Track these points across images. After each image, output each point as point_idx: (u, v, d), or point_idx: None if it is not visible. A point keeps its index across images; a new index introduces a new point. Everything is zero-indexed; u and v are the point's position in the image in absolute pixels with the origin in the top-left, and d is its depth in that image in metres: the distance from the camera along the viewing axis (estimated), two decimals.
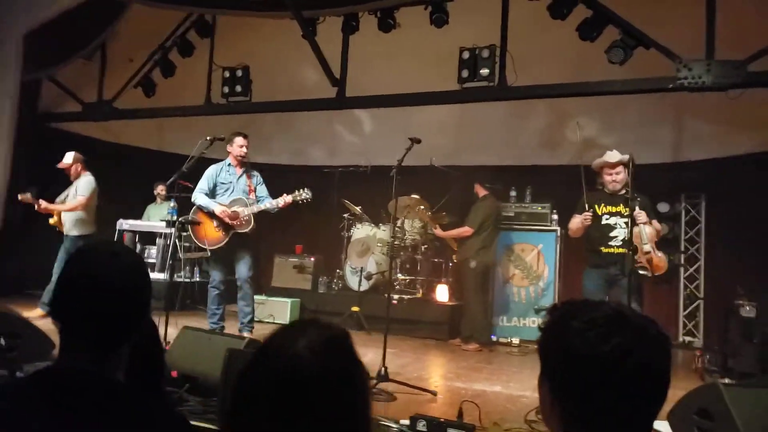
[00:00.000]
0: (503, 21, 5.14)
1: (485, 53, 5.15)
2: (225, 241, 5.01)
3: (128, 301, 1.18)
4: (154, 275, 6.86)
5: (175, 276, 6.85)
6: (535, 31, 5.45)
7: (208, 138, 4.73)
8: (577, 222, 4.51)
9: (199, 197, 5.04)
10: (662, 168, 6.94)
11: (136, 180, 7.79)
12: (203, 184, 5.07)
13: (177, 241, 4.94)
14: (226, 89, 6.11)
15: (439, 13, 5.42)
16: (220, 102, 6.20)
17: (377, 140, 7.53)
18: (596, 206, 4.48)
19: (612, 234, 4.41)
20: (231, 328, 5.19)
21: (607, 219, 4.43)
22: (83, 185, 6.13)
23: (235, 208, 5.02)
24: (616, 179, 4.41)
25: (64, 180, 7.26)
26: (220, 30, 6.40)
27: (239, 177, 5.18)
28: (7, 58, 6.60)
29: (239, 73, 6.07)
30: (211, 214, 5.03)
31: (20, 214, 6.72)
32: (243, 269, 5.12)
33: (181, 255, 5.19)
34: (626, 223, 4.32)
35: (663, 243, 7.29)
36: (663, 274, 7.32)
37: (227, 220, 4.98)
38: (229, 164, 5.19)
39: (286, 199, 5.03)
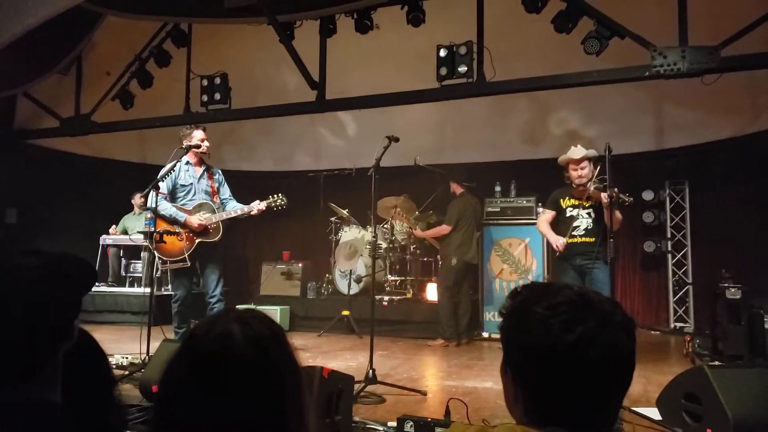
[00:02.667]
0: (479, 17, 5.14)
1: (462, 50, 5.14)
2: (189, 252, 4.54)
3: (29, 316, 1.05)
4: (140, 290, 6.80)
5: (163, 289, 6.82)
6: (512, 26, 5.47)
7: (183, 146, 4.61)
8: (545, 233, 4.79)
9: (164, 206, 4.56)
10: (645, 156, 7.01)
11: (119, 194, 7.71)
12: (163, 188, 4.58)
13: (156, 252, 4.66)
14: (205, 97, 6.05)
15: (415, 12, 5.41)
16: (199, 111, 6.14)
17: (361, 143, 7.51)
18: (561, 200, 4.68)
19: (575, 224, 4.58)
20: None
21: (570, 211, 4.59)
22: None
23: (202, 215, 4.60)
24: (581, 174, 4.53)
25: (47, 199, 7.20)
26: (197, 38, 6.34)
27: (200, 177, 4.73)
28: None
29: (217, 80, 6.01)
30: (174, 222, 4.59)
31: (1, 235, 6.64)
32: (212, 285, 4.65)
33: (160, 267, 4.89)
34: (588, 213, 4.53)
35: (650, 230, 7.39)
36: (651, 261, 7.47)
37: (197, 230, 4.55)
38: (188, 162, 4.70)
39: (259, 206, 4.64)
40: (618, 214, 4.35)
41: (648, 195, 7.25)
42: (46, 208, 7.09)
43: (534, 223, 6.44)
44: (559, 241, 4.57)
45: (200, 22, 6.17)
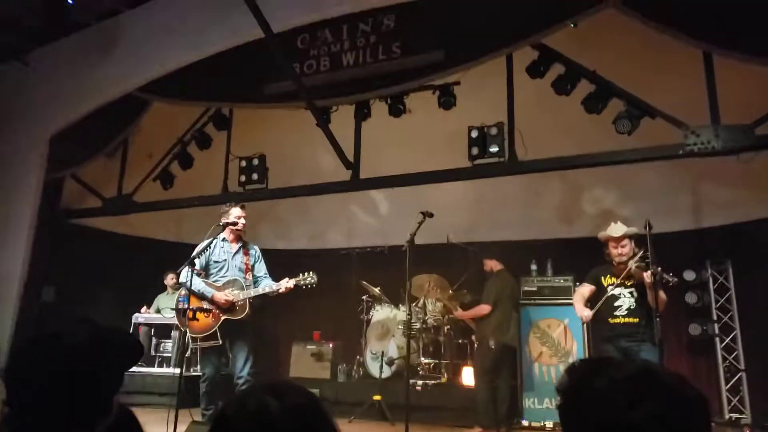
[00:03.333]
0: (509, 98, 5.28)
1: (494, 131, 5.26)
2: (214, 329, 4.49)
3: (73, 385, 1.07)
4: (169, 370, 6.70)
5: (192, 370, 6.71)
6: (542, 107, 5.58)
7: (220, 224, 4.68)
8: (575, 306, 4.68)
9: (194, 282, 4.49)
10: (684, 236, 6.84)
11: (154, 272, 7.80)
12: (197, 265, 4.56)
13: (188, 330, 4.59)
14: (243, 178, 6.24)
15: (446, 96, 5.62)
16: (237, 190, 6.31)
17: (394, 221, 7.56)
18: (602, 278, 4.58)
19: (617, 304, 4.43)
20: None
21: (612, 290, 4.45)
22: None
23: (229, 291, 4.57)
24: (621, 252, 4.45)
25: (84, 277, 7.34)
26: (237, 121, 6.63)
27: (234, 254, 4.73)
28: (32, 160, 6.90)
29: (256, 161, 6.22)
30: (202, 298, 4.55)
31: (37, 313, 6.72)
32: (240, 364, 4.51)
33: (191, 345, 4.81)
34: (630, 293, 4.40)
35: (693, 312, 7.07)
36: (698, 345, 7.10)
37: (223, 306, 4.50)
38: (224, 239, 4.74)
39: (287, 284, 4.56)
40: (662, 295, 4.21)
41: (689, 275, 6.99)
42: (82, 286, 7.20)
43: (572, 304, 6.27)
44: (583, 312, 4.45)
45: (241, 107, 6.50)
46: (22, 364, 1.09)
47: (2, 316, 6.37)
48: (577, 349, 6.14)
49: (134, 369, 6.88)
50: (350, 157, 5.86)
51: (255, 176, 6.18)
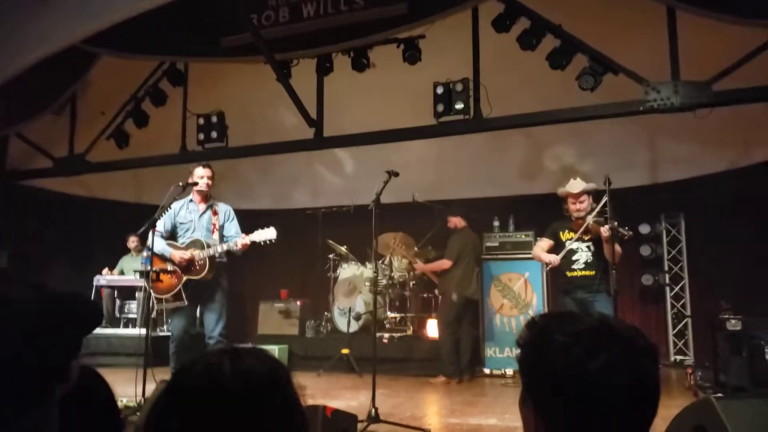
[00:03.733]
0: (474, 55, 5.23)
1: (459, 87, 5.21)
2: (177, 289, 4.41)
3: (22, 352, 0.99)
4: (135, 331, 6.65)
5: (158, 330, 6.66)
6: (507, 63, 5.54)
7: (180, 183, 4.50)
8: (538, 256, 4.82)
9: (156, 243, 4.39)
10: (640, 190, 7.06)
11: (114, 234, 7.59)
12: (159, 226, 4.45)
13: (153, 292, 4.52)
14: (202, 136, 6.05)
15: (411, 50, 5.50)
16: (196, 149, 6.12)
17: (359, 180, 7.52)
18: (560, 233, 4.69)
19: (574, 258, 4.58)
20: None
21: (570, 245, 4.57)
22: None
23: (191, 252, 4.43)
24: (580, 207, 4.57)
25: (40, 240, 7.08)
26: (193, 77, 6.36)
27: (202, 214, 4.61)
28: None
29: (214, 119, 6.02)
30: (166, 259, 4.47)
31: None
32: (211, 324, 4.46)
33: (156, 306, 4.73)
34: (588, 247, 4.54)
35: (647, 263, 7.40)
36: (650, 294, 7.47)
37: (180, 264, 4.41)
38: (191, 200, 4.63)
39: (243, 240, 4.36)
40: (618, 248, 4.36)
41: (644, 228, 7.29)
42: (38, 250, 6.97)
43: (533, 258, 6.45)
44: (551, 258, 4.58)
45: (197, 61, 6.22)
46: None
47: None
48: (537, 301, 6.37)
49: (100, 331, 6.86)
50: (313, 114, 5.73)
51: (214, 134, 6.00)
